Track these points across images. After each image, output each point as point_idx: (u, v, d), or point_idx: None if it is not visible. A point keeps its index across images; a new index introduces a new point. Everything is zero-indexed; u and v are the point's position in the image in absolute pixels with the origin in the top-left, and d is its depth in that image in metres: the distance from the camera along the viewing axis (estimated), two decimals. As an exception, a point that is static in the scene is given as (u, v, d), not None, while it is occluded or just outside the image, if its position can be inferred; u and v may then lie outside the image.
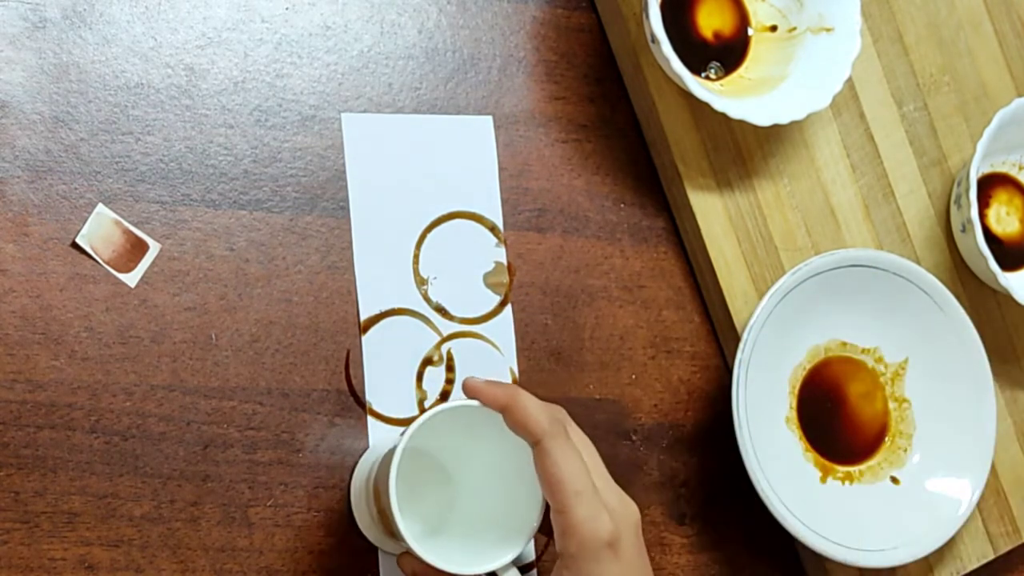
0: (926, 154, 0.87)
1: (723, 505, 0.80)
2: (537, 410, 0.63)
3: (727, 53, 0.82)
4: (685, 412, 0.80)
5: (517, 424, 0.63)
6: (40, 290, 0.68)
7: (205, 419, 0.70)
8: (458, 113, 0.78)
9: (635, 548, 0.64)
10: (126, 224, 0.70)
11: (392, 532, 0.66)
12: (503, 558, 0.64)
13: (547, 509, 0.64)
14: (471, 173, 0.78)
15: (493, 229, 0.78)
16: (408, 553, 0.66)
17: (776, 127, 0.79)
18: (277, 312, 0.72)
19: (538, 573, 0.75)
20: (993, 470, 0.85)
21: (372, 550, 0.72)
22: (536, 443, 0.63)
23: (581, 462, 0.63)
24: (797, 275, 0.78)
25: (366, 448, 0.73)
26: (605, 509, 0.63)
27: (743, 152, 0.82)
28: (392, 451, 0.64)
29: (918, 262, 0.84)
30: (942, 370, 0.83)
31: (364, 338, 0.74)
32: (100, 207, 0.69)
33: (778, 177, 0.82)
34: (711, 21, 0.82)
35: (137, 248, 0.70)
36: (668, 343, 0.80)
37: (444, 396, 0.75)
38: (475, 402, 0.64)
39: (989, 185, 0.88)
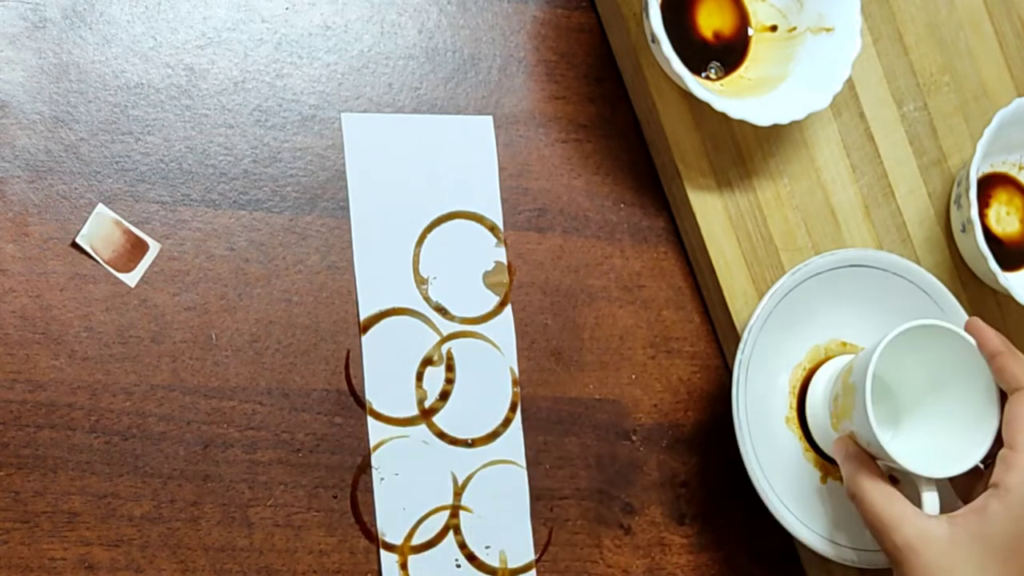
0: (926, 154, 0.87)
1: (723, 505, 0.80)
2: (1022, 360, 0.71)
3: (727, 53, 0.82)
4: (685, 412, 0.80)
5: (1006, 371, 0.70)
6: (40, 290, 0.68)
7: (205, 419, 0.70)
8: (458, 113, 0.78)
9: None
10: (126, 224, 0.70)
11: (842, 418, 0.73)
12: (947, 471, 0.71)
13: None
14: (471, 173, 0.78)
15: (493, 229, 0.78)
16: (845, 438, 0.73)
17: (776, 127, 0.79)
18: (277, 312, 0.72)
19: (537, 573, 0.76)
20: (993, 470, 0.85)
21: (372, 550, 0.72)
22: (1017, 389, 0.70)
23: None
24: (797, 275, 0.78)
25: (366, 448, 0.73)
26: None
27: (743, 152, 0.82)
28: (873, 344, 0.71)
29: (918, 262, 0.84)
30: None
31: (364, 338, 0.74)
32: (100, 207, 0.69)
33: (778, 177, 0.82)
34: (711, 21, 0.82)
35: (137, 248, 0.70)
36: (668, 343, 0.80)
37: (444, 396, 0.75)
38: (968, 336, 0.72)
39: (989, 185, 0.88)
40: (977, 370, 0.72)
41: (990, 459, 0.71)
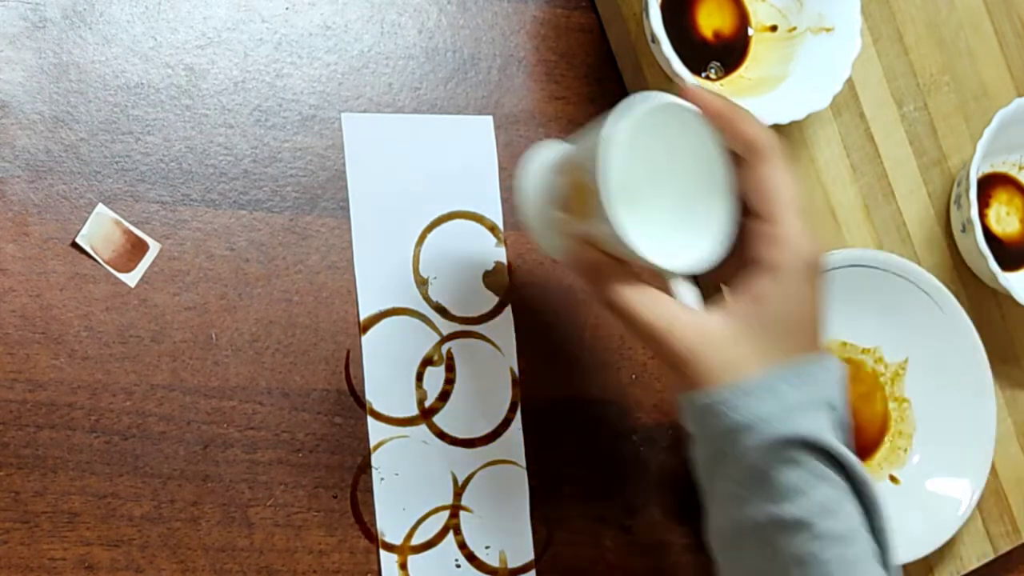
0: (926, 154, 0.87)
1: (723, 505, 0.80)
2: (759, 122, 0.64)
3: (727, 53, 0.82)
4: (685, 412, 0.80)
5: (739, 134, 0.63)
6: (40, 290, 0.68)
7: (205, 419, 0.70)
8: (458, 113, 0.78)
9: (822, 283, 0.64)
10: (126, 224, 0.70)
11: (577, 218, 0.64)
12: (701, 261, 0.64)
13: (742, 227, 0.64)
14: (471, 173, 0.78)
15: (493, 229, 0.78)
16: (585, 245, 0.65)
17: (776, 127, 0.79)
18: (277, 312, 0.72)
19: (537, 573, 0.76)
20: (993, 470, 0.85)
21: (372, 550, 0.72)
22: (757, 153, 0.63)
23: (796, 181, 0.64)
24: (797, 275, 0.78)
25: (366, 448, 0.73)
26: (814, 234, 0.63)
27: (743, 152, 0.82)
28: (595, 137, 0.61)
29: (918, 262, 0.84)
30: (942, 370, 0.82)
31: (364, 338, 0.74)
32: (100, 207, 0.69)
33: (778, 177, 0.82)
34: (711, 21, 0.82)
35: (137, 248, 0.70)
36: (668, 343, 0.80)
37: (444, 396, 0.75)
38: (690, 105, 0.63)
39: (989, 185, 0.88)
40: (703, 143, 0.64)
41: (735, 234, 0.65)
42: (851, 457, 0.62)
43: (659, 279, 0.64)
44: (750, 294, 0.63)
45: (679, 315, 0.63)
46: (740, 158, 0.64)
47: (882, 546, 0.63)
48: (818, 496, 0.61)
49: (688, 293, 0.64)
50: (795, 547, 0.61)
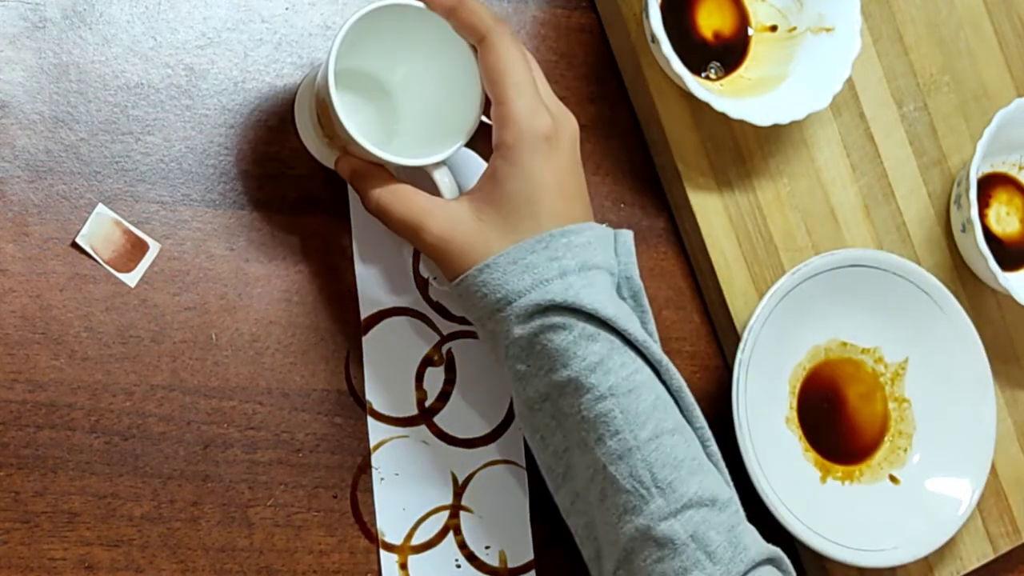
0: (926, 154, 0.87)
1: (723, 505, 0.80)
2: (484, 8, 0.66)
3: (727, 53, 0.82)
4: (685, 412, 0.80)
5: (463, 23, 0.66)
6: (40, 290, 0.68)
7: (205, 419, 0.70)
8: (458, 113, 0.78)
9: (571, 153, 0.68)
10: (126, 224, 0.70)
11: (331, 135, 0.68)
12: (443, 153, 0.67)
13: (488, 109, 0.67)
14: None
15: (493, 229, 0.78)
16: (346, 155, 0.69)
17: (776, 127, 0.79)
18: (277, 312, 0.72)
19: (537, 573, 0.76)
20: (993, 470, 0.85)
21: (372, 550, 0.72)
22: (482, 39, 0.66)
23: (524, 60, 0.66)
24: (797, 275, 0.78)
25: (366, 448, 0.73)
26: (545, 108, 0.66)
27: (743, 152, 0.82)
28: (328, 52, 0.65)
29: (918, 262, 0.84)
30: (942, 370, 0.83)
31: (364, 338, 0.74)
32: (100, 207, 0.69)
33: (778, 177, 0.82)
34: (711, 21, 0.82)
35: (137, 248, 0.70)
36: (668, 343, 0.80)
37: (444, 396, 0.75)
38: (416, 3, 0.66)
39: (989, 185, 0.88)
40: (443, 36, 0.67)
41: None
42: (616, 316, 0.65)
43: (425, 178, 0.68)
44: (488, 176, 0.67)
45: (431, 207, 0.67)
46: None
47: (676, 395, 0.67)
48: (588, 355, 0.64)
49: (444, 183, 0.68)
50: (578, 408, 0.64)
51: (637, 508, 0.64)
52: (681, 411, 0.67)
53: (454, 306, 0.72)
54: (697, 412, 0.68)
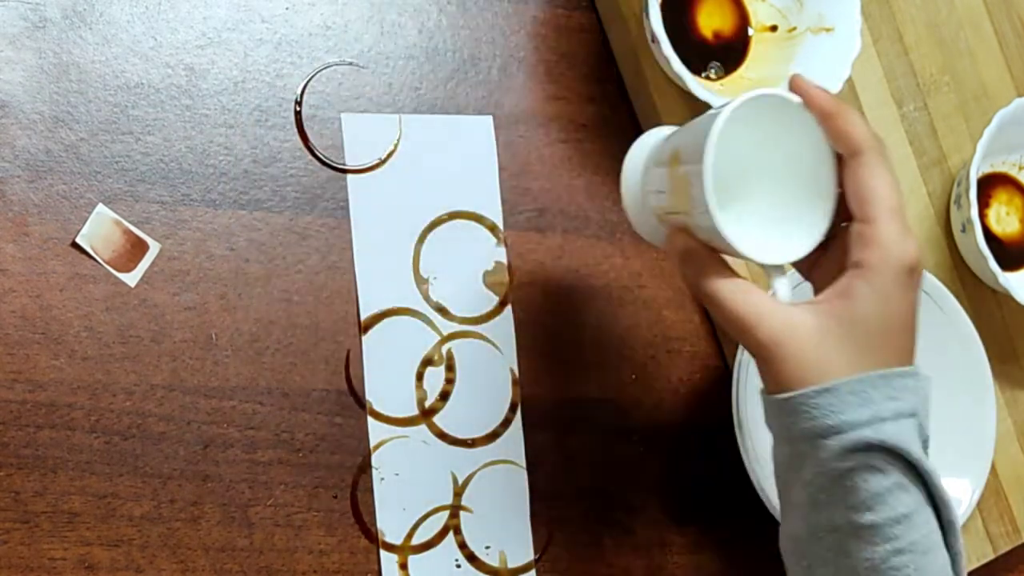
0: (926, 154, 0.87)
1: (723, 505, 0.80)
2: (863, 122, 0.63)
3: (727, 53, 0.82)
4: (685, 412, 0.80)
5: (840, 132, 0.63)
6: (40, 290, 0.68)
7: (205, 419, 0.70)
8: (458, 113, 0.78)
9: (920, 288, 0.64)
10: (126, 224, 0.70)
11: (675, 211, 0.65)
12: (790, 255, 0.64)
13: (837, 224, 0.64)
14: (471, 173, 0.78)
15: (493, 229, 0.78)
16: (680, 232, 0.65)
17: (776, 127, 0.79)
18: (277, 312, 0.72)
19: (537, 573, 0.75)
20: (993, 470, 0.85)
21: (372, 550, 0.72)
22: (857, 153, 0.62)
23: (897, 184, 0.63)
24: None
25: (366, 448, 0.73)
26: (914, 239, 0.62)
27: (743, 152, 0.82)
28: (700, 127, 0.62)
29: (918, 262, 0.84)
30: (942, 370, 0.82)
31: (364, 338, 0.74)
32: (100, 207, 0.69)
33: (778, 177, 0.82)
34: (711, 21, 0.82)
35: (137, 248, 0.70)
36: (668, 343, 0.80)
37: (444, 396, 0.75)
38: (795, 97, 0.63)
39: (989, 185, 0.88)
40: (809, 139, 0.64)
41: (834, 234, 0.65)
42: (934, 471, 0.61)
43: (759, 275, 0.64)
44: (840, 292, 0.62)
45: (767, 306, 0.62)
46: (842, 156, 0.63)
47: (955, 564, 0.62)
48: (898, 505, 0.60)
49: (783, 287, 0.63)
50: (870, 554, 0.60)
51: None
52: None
53: (769, 419, 0.65)
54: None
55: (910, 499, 0.61)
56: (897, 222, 0.62)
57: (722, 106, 0.62)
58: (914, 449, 0.60)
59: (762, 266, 0.63)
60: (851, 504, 0.61)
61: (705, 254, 0.64)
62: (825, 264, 0.65)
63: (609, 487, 0.78)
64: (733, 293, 0.63)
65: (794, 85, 0.64)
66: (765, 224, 0.65)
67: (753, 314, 0.62)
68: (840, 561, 0.62)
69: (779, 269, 0.64)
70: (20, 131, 0.68)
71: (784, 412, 0.62)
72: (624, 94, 0.82)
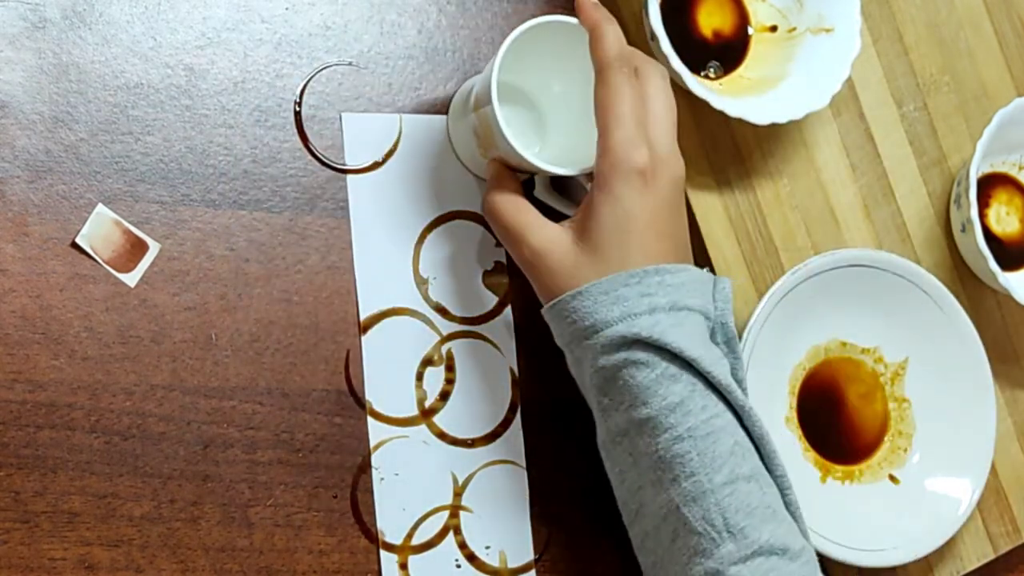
0: (926, 154, 0.87)
1: (723, 505, 0.80)
2: (613, 41, 0.68)
3: (727, 52, 0.82)
4: (685, 412, 0.80)
5: (591, 52, 0.68)
6: (40, 290, 0.68)
7: (205, 419, 0.70)
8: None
9: (669, 194, 0.68)
10: (126, 224, 0.70)
11: (487, 146, 0.71)
12: (581, 167, 0.70)
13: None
14: (471, 173, 0.77)
15: (493, 229, 0.78)
16: (495, 160, 0.72)
17: (776, 127, 0.79)
18: (277, 312, 0.72)
19: (537, 573, 0.75)
20: (993, 470, 0.85)
21: (372, 550, 0.72)
22: (597, 71, 0.68)
23: (633, 97, 0.67)
24: (797, 275, 0.78)
25: (366, 448, 0.73)
26: (647, 145, 0.67)
27: (743, 152, 0.82)
28: (491, 62, 0.69)
29: (918, 262, 0.84)
30: (942, 370, 0.82)
31: (364, 338, 0.74)
32: (100, 207, 0.69)
33: (778, 177, 0.82)
34: (711, 20, 0.82)
35: (137, 248, 0.70)
36: (668, 343, 0.80)
37: (444, 396, 0.75)
38: (572, 19, 0.69)
39: (989, 185, 0.88)
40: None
41: None
42: (701, 357, 0.65)
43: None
44: (585, 207, 0.68)
45: (536, 222, 0.69)
46: None
47: (760, 446, 0.66)
48: (668, 395, 0.64)
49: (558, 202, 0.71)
50: (654, 447, 0.64)
51: (707, 551, 0.64)
52: (762, 458, 0.67)
53: (553, 333, 0.71)
54: (778, 460, 0.67)
55: (679, 387, 0.64)
56: (624, 129, 0.66)
57: (505, 42, 0.68)
58: (672, 339, 0.64)
59: (540, 171, 0.70)
60: (628, 403, 0.65)
61: (502, 176, 0.71)
62: None
63: (609, 487, 0.78)
64: (508, 208, 0.70)
65: (579, 9, 0.69)
66: (577, 137, 0.72)
67: (523, 227, 0.69)
68: (638, 461, 0.66)
69: (585, 179, 0.70)
70: (20, 131, 0.68)
71: (553, 321, 0.68)
72: (624, 94, 0.82)
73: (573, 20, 0.69)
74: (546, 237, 0.68)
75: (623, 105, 0.67)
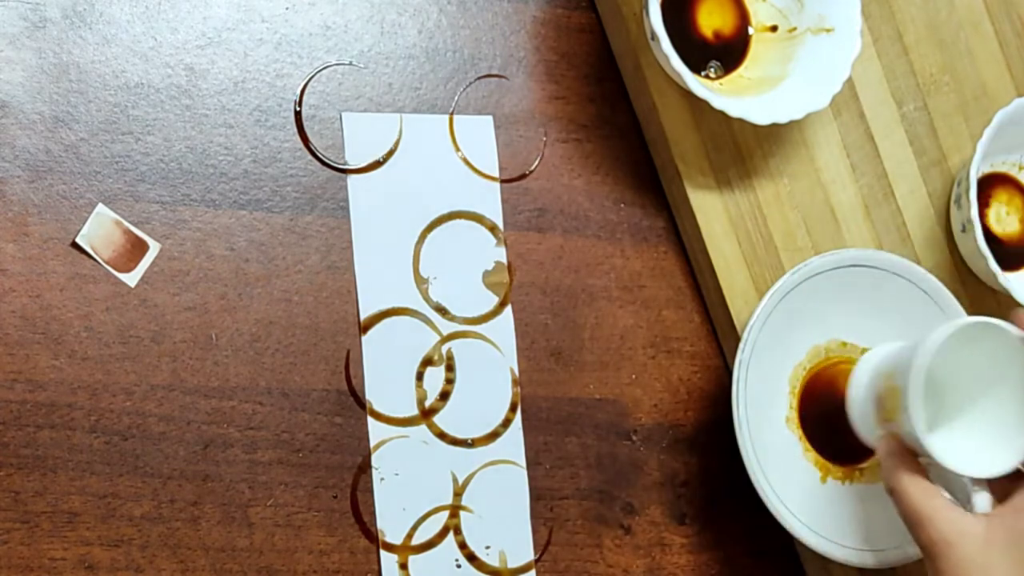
0: (926, 154, 0.87)
1: (723, 505, 0.80)
2: None
3: (727, 52, 0.82)
4: (685, 412, 0.80)
5: None
6: (40, 290, 0.68)
7: (205, 419, 0.70)
8: (458, 113, 0.78)
9: None
10: (126, 224, 0.70)
11: (889, 419, 0.72)
12: (995, 469, 0.69)
13: None
14: (471, 173, 0.78)
15: (493, 229, 0.78)
16: (891, 434, 0.72)
17: (776, 127, 0.79)
18: (277, 312, 0.72)
19: (537, 573, 0.75)
20: (993, 470, 0.85)
21: (372, 550, 0.72)
22: None
23: None
24: (797, 275, 0.78)
25: (366, 448, 0.73)
26: None
27: (743, 152, 0.82)
28: (914, 345, 0.70)
29: (918, 262, 0.84)
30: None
31: (364, 338, 0.74)
32: (100, 207, 0.69)
33: (778, 177, 0.82)
34: (711, 20, 0.82)
35: (137, 248, 0.70)
36: (668, 343, 0.80)
37: (444, 396, 0.75)
38: (1010, 327, 0.70)
39: (989, 185, 0.88)
40: (1018, 368, 0.71)
41: None
42: None
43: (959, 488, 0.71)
44: (1015, 507, 0.68)
45: (944, 507, 0.68)
46: None
47: None
48: None
49: (981, 499, 0.69)
50: None
51: None
52: None
53: None
54: None
55: None
56: None
57: (939, 329, 0.70)
58: None
59: (962, 476, 0.70)
60: None
61: (903, 453, 0.71)
62: (1003, 481, 0.70)
63: (609, 487, 0.78)
64: (915, 491, 0.69)
65: (1017, 318, 0.71)
66: (974, 436, 0.72)
67: (929, 512, 0.68)
68: None
69: (980, 482, 0.70)
70: (20, 131, 0.68)
71: None
72: (624, 94, 0.82)
73: (1010, 327, 0.71)
74: (957, 526, 0.67)
75: None
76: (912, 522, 0.69)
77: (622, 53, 0.81)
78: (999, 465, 0.70)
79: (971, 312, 0.83)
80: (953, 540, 0.66)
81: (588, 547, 0.77)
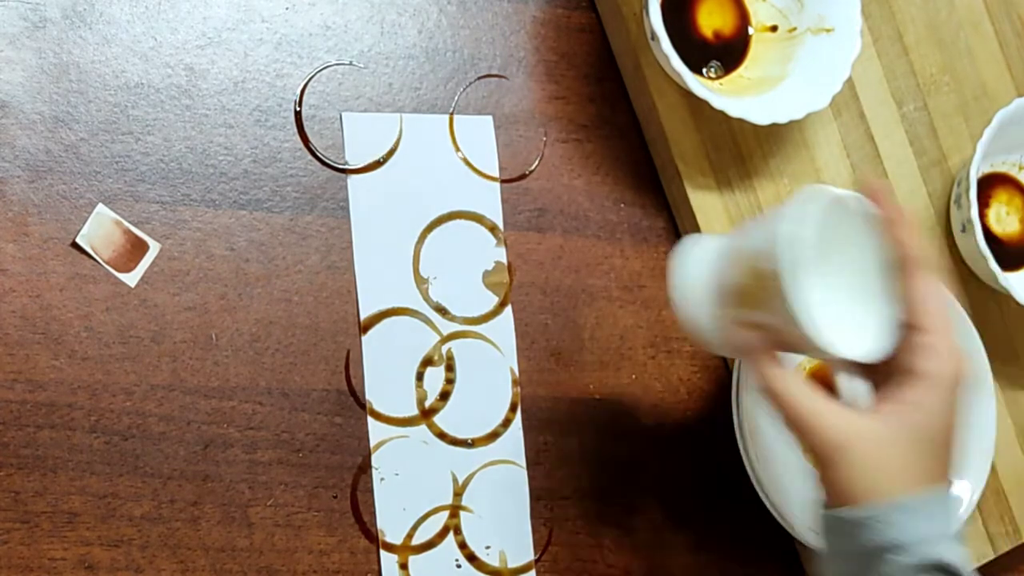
0: (926, 154, 0.87)
1: (723, 505, 0.80)
2: (917, 232, 0.64)
3: (727, 52, 0.82)
4: (685, 412, 0.80)
5: (904, 240, 0.64)
6: (40, 290, 0.68)
7: (205, 419, 0.70)
8: (458, 113, 0.78)
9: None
10: (126, 224, 0.70)
11: (741, 305, 0.65)
12: (870, 352, 0.63)
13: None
14: (471, 173, 0.78)
15: (493, 229, 0.78)
16: (749, 326, 0.65)
17: (776, 127, 0.79)
18: (277, 312, 0.72)
19: (537, 573, 0.76)
20: (993, 470, 0.85)
21: (372, 550, 0.72)
22: (917, 263, 0.63)
23: (947, 300, 0.63)
24: (797, 275, 0.78)
25: (366, 448, 0.73)
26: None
27: (743, 152, 0.82)
28: (776, 225, 0.62)
29: (918, 262, 0.84)
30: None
31: (364, 338, 0.74)
32: (100, 207, 0.69)
33: (778, 177, 0.82)
34: (711, 20, 0.82)
35: (137, 248, 0.70)
36: (668, 343, 0.80)
37: (444, 396, 0.75)
38: (865, 200, 0.64)
39: (989, 185, 0.88)
40: (871, 243, 0.65)
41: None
42: None
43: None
44: (906, 400, 0.62)
45: (829, 407, 0.62)
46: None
47: None
48: None
49: (858, 385, 0.64)
50: None
51: None
52: None
53: (825, 534, 0.64)
54: None
55: None
56: (952, 335, 0.63)
57: (789, 205, 0.63)
58: (971, 571, 0.60)
59: (839, 361, 0.63)
60: None
61: (772, 352, 0.64)
62: (879, 368, 0.64)
63: (609, 487, 0.78)
64: (797, 390, 0.63)
65: (868, 190, 0.65)
66: (834, 321, 0.64)
67: (818, 415, 0.62)
68: None
69: (854, 371, 0.64)
70: (20, 131, 0.68)
71: (851, 527, 0.61)
72: (624, 94, 0.82)
73: (866, 202, 0.64)
74: (849, 425, 0.62)
75: (945, 305, 0.64)
76: (800, 426, 0.63)
77: (622, 53, 0.81)
78: (881, 343, 0.64)
79: (971, 312, 0.83)
80: (847, 443, 0.61)
81: (588, 547, 0.77)
